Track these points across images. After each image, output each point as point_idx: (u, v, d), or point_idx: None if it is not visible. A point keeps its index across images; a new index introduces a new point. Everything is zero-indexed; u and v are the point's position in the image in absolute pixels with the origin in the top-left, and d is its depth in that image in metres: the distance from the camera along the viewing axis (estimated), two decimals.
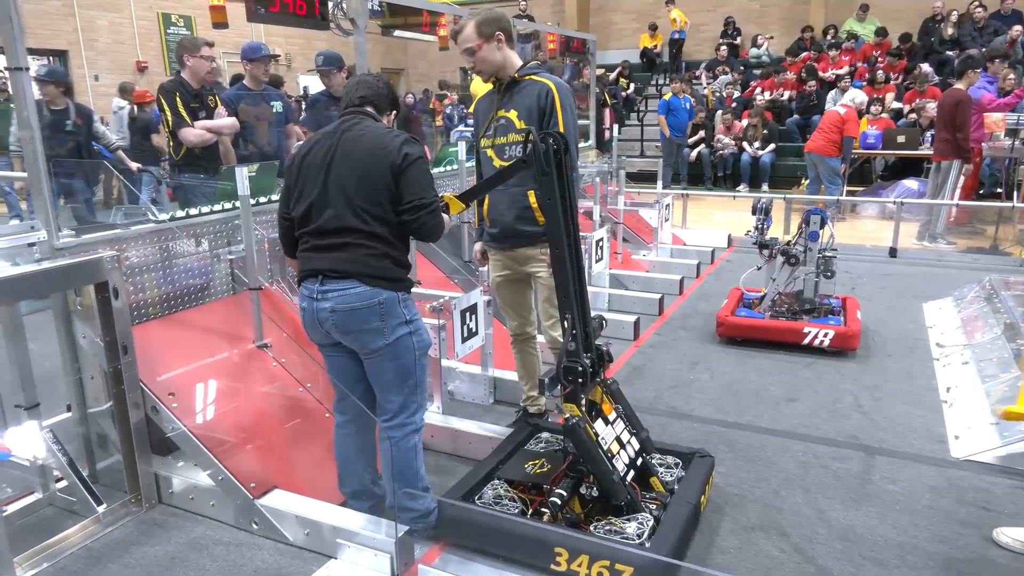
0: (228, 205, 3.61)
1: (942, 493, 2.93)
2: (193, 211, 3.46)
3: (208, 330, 3.24)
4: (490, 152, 3.08)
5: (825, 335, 4.49)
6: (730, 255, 7.56)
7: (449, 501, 2.53)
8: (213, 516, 2.79)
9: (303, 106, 7.96)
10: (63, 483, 2.86)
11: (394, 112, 2.64)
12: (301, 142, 5.32)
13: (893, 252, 7.31)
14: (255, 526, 2.68)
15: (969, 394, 3.76)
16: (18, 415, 2.74)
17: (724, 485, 2.99)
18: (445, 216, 2.53)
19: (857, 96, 8.81)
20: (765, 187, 11.17)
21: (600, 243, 5.26)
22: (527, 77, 2.96)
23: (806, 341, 4.53)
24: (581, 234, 5.39)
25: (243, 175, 3.11)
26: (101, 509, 2.76)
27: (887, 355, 4.53)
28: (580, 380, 2.45)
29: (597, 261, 5.19)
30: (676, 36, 14.65)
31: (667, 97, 10.83)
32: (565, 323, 2.47)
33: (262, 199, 3.80)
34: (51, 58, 11.17)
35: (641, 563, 2.16)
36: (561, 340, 2.98)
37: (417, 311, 2.51)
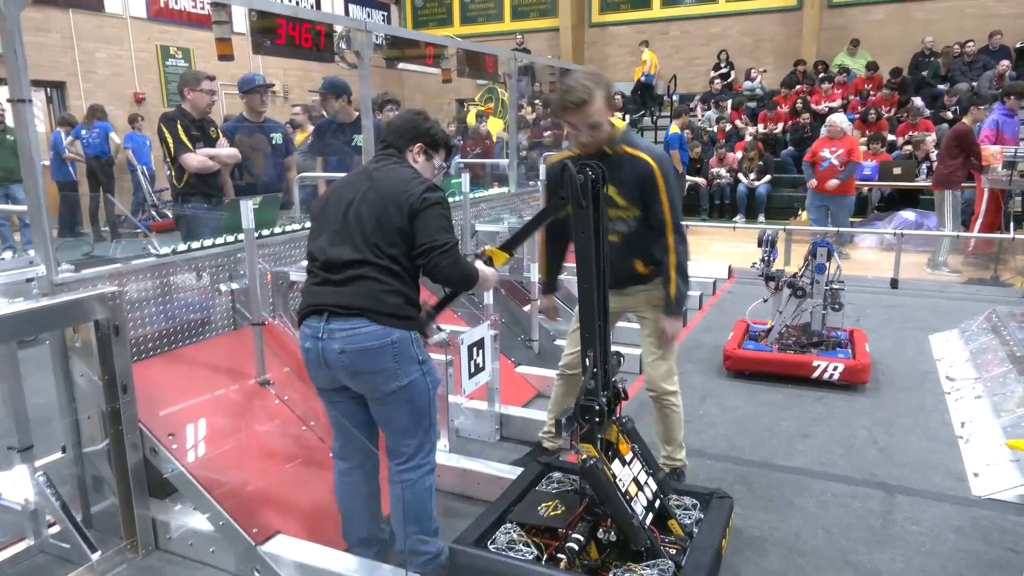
0: (230, 238, 3.54)
1: (967, 534, 2.84)
2: (195, 244, 3.39)
3: (209, 366, 3.15)
4: None
5: (835, 368, 4.42)
6: (731, 286, 7.53)
7: (461, 548, 2.42)
8: (213, 563, 2.67)
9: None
10: (56, 528, 2.74)
11: (420, 145, 2.49)
12: (302, 174, 5.34)
13: (895, 283, 7.29)
14: (257, 574, 2.56)
15: (984, 429, 3.69)
16: (10, 457, 2.63)
17: (743, 527, 2.89)
18: (487, 268, 2.48)
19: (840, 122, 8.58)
20: (762, 218, 11.20)
21: None
22: (623, 149, 2.76)
23: (815, 375, 4.46)
24: None
25: (247, 208, 3.05)
26: (95, 557, 2.64)
27: (898, 389, 4.46)
28: (597, 419, 2.36)
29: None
30: (643, 79, 14.81)
31: (675, 131, 10.71)
32: (587, 360, 2.40)
33: (264, 232, 3.74)
34: (48, 90, 11.17)
35: None
36: (655, 378, 2.96)
37: (426, 350, 2.43)
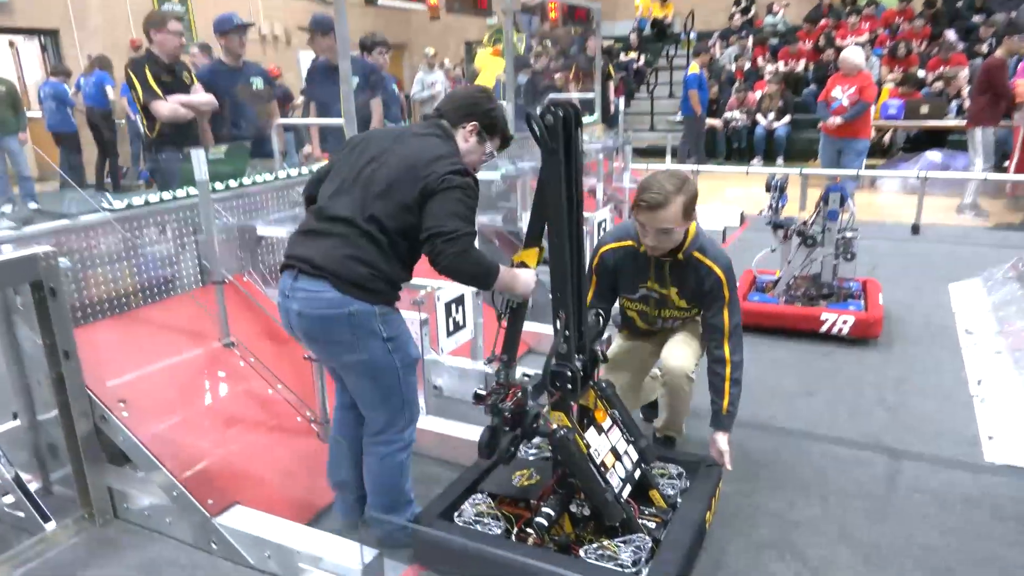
0: (194, 191, 3.33)
1: (976, 504, 2.64)
2: (153, 198, 3.19)
3: (169, 328, 2.99)
4: (634, 314, 2.90)
5: (844, 322, 4.17)
6: (742, 234, 7.21)
7: (421, 528, 2.27)
8: (170, 534, 2.55)
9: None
10: (10, 498, 2.63)
11: (475, 124, 2.26)
12: (285, 120, 5.08)
13: (916, 229, 6.93)
14: (214, 546, 2.44)
15: (1003, 388, 3.44)
16: None
17: (734, 495, 2.70)
18: (522, 269, 2.25)
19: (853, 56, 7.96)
20: (780, 161, 10.75)
21: (603, 224, 4.95)
22: (693, 255, 2.63)
23: (823, 329, 4.22)
24: (586, 215, 5.10)
25: (200, 159, 2.82)
26: (49, 527, 2.52)
27: (911, 343, 4.21)
28: (570, 386, 2.16)
29: (634, 204, 4.88)
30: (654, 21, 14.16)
31: (695, 71, 10.14)
32: (558, 323, 2.18)
33: (232, 183, 3.52)
34: (41, 38, 10.89)
35: None
36: (674, 363, 2.74)
37: (402, 327, 2.22)
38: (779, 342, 4.26)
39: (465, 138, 2.26)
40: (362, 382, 2.23)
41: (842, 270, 4.50)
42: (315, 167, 4.35)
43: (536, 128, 2.02)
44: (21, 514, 2.58)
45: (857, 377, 3.76)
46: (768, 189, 4.53)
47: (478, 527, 2.27)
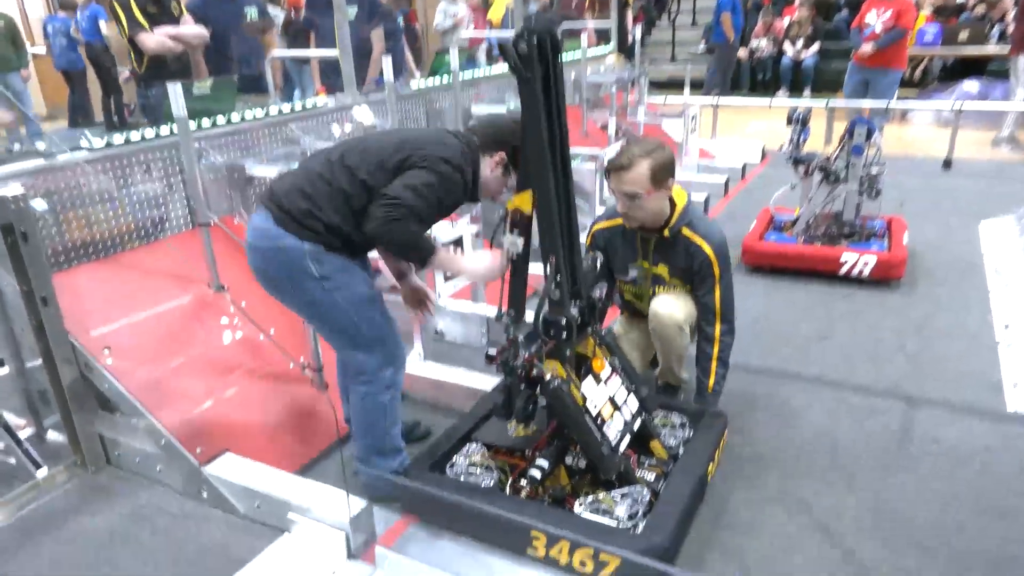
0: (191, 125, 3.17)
1: (996, 455, 2.51)
2: (135, 136, 3.05)
3: (156, 273, 2.89)
4: (632, 298, 2.83)
5: (865, 263, 3.97)
6: (763, 170, 6.94)
7: (411, 480, 2.19)
8: (162, 481, 2.51)
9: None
10: (0, 443, 2.61)
11: (503, 155, 2.17)
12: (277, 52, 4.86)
13: (948, 164, 6.60)
14: (204, 495, 2.40)
15: None
16: None
17: (740, 444, 2.60)
18: (477, 260, 2.21)
19: None
20: (807, 93, 10.28)
21: None
22: (682, 232, 2.54)
23: (843, 270, 4.03)
24: (596, 151, 4.89)
25: (176, 93, 2.66)
26: (40, 474, 2.50)
27: (936, 284, 4.01)
28: (565, 335, 2.03)
29: (604, 167, 4.68)
30: None
31: None
32: (548, 268, 2.04)
33: (220, 119, 3.36)
34: None
35: (629, 555, 1.80)
36: (665, 312, 2.60)
37: (342, 267, 2.08)
38: (796, 284, 4.09)
39: (491, 167, 2.19)
40: (313, 323, 2.26)
41: (866, 208, 4.28)
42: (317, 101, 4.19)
43: (509, 56, 1.84)
44: (12, 460, 2.56)
45: (877, 321, 3.60)
46: (789, 122, 4.27)
47: (471, 479, 2.19)
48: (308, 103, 4.04)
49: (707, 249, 2.52)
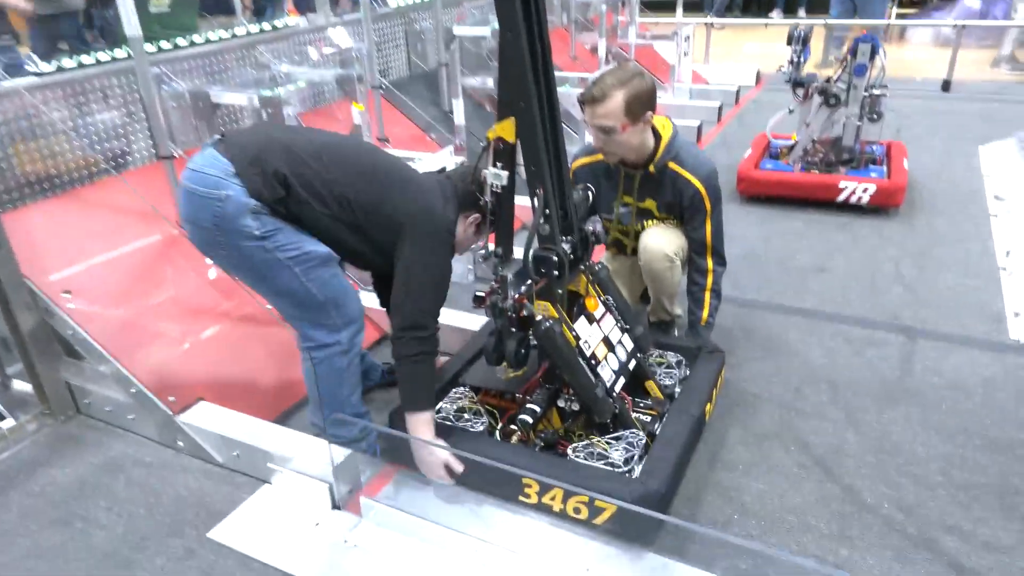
0: (150, 48, 2.93)
1: (998, 387, 2.44)
2: (88, 60, 2.80)
3: (117, 209, 2.70)
4: (618, 236, 2.68)
5: (864, 190, 3.84)
6: (758, 94, 6.70)
7: (393, 429, 2.09)
8: (135, 431, 2.40)
9: None
10: None
11: (476, 217, 2.07)
12: None
13: (947, 85, 6.40)
14: (180, 444, 2.29)
15: None
16: None
17: (736, 380, 2.52)
18: (428, 452, 1.96)
19: None
20: (802, 13, 9.90)
21: None
22: (668, 166, 2.38)
23: (841, 198, 3.89)
24: (585, 75, 4.64)
25: (128, 9, 2.41)
26: (6, 424, 2.38)
27: (936, 212, 3.90)
28: (557, 272, 1.90)
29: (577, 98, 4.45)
30: None
31: None
32: (535, 200, 1.89)
33: (180, 41, 3.11)
34: None
35: (625, 502, 1.72)
36: (655, 246, 2.47)
37: (284, 229, 1.88)
38: (793, 213, 3.96)
39: (465, 227, 2.07)
40: (254, 285, 2.02)
41: (866, 132, 4.10)
42: (288, 21, 3.91)
43: None
44: None
45: (875, 250, 3.49)
46: (790, 42, 4.05)
47: (459, 424, 2.10)
48: (279, 23, 3.76)
49: (696, 183, 2.37)
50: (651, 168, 2.38)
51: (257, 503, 2.07)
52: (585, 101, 2.26)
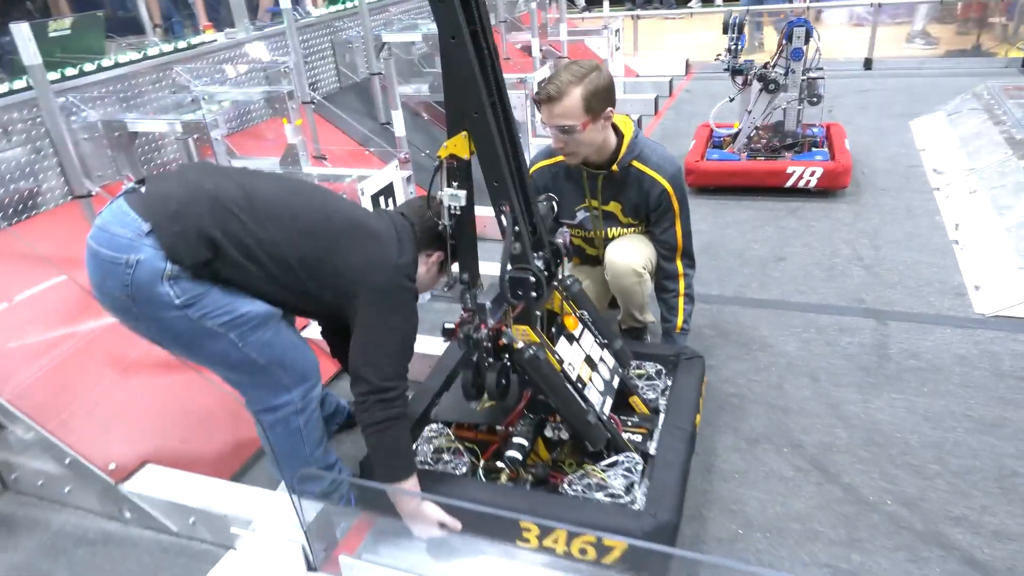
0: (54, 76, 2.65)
1: (974, 364, 2.44)
2: None
3: (27, 258, 2.43)
4: (581, 243, 2.55)
5: (812, 174, 3.85)
6: (689, 83, 6.73)
7: (367, 481, 1.91)
8: (74, 504, 2.15)
9: None
10: None
11: (439, 255, 1.87)
12: None
13: (868, 63, 6.57)
14: (127, 515, 2.06)
15: (984, 231, 3.22)
16: None
17: (717, 383, 2.44)
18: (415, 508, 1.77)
19: None
20: (719, 1, 10.04)
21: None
22: (632, 165, 2.26)
23: (790, 183, 3.89)
24: (521, 75, 4.52)
25: (24, 36, 2.15)
26: None
27: (880, 190, 3.94)
28: (535, 293, 1.76)
29: (531, 98, 4.34)
30: None
31: None
32: (503, 218, 1.74)
33: (87, 66, 2.83)
34: None
35: (636, 538, 1.60)
36: (622, 261, 2.34)
37: (209, 292, 1.63)
38: (740, 201, 3.94)
39: (427, 266, 1.87)
40: (184, 356, 1.77)
41: (806, 115, 4.12)
42: (204, 37, 3.65)
43: None
44: None
45: (829, 233, 3.49)
46: (726, 29, 4.02)
47: (439, 466, 1.93)
48: (195, 40, 3.50)
49: (663, 182, 2.27)
50: (614, 168, 2.27)
51: (222, 574, 1.86)
52: (541, 100, 2.12)
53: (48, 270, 2.41)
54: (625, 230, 2.41)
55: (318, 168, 3.27)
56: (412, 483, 1.75)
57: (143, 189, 1.66)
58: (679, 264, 2.37)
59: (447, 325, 1.80)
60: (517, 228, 1.73)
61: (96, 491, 2.07)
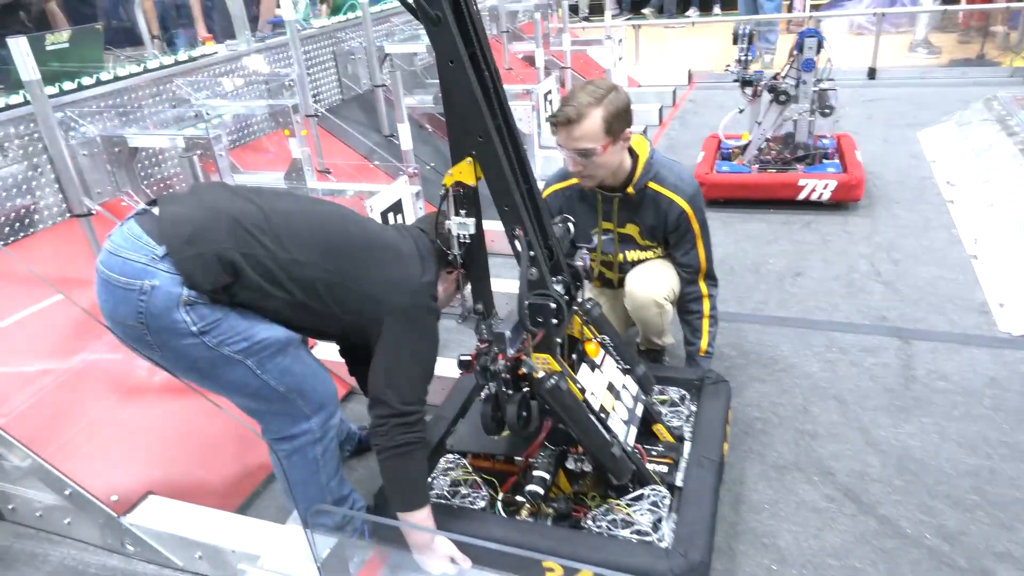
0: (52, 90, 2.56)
1: (1005, 386, 2.36)
2: None
3: (23, 279, 2.33)
4: (597, 266, 2.42)
5: (825, 186, 3.78)
6: (692, 93, 6.67)
7: (381, 518, 1.82)
8: (74, 536, 2.05)
9: None
10: None
11: (457, 273, 1.78)
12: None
13: (872, 73, 6.52)
14: (130, 548, 1.97)
15: (1004, 245, 3.15)
16: None
17: (741, 407, 2.36)
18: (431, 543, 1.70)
19: None
20: (717, 9, 10.03)
21: (549, 96, 4.33)
22: (649, 187, 2.19)
23: (802, 196, 3.82)
24: (526, 87, 4.45)
25: (21, 50, 2.07)
26: None
27: (893, 202, 3.88)
28: (556, 320, 1.68)
29: (547, 120, 4.27)
30: None
31: None
32: (517, 243, 1.67)
33: (85, 80, 2.75)
34: None
35: None
36: (644, 292, 2.25)
37: (226, 316, 1.54)
38: (752, 214, 3.87)
39: (446, 284, 1.81)
40: (200, 384, 1.67)
41: (816, 127, 4.06)
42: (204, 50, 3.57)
43: None
44: None
45: (845, 247, 3.42)
46: (736, 40, 3.97)
47: (456, 500, 1.84)
48: (195, 53, 3.42)
49: (682, 203, 2.19)
50: (630, 190, 2.19)
51: None
52: (559, 123, 2.04)
53: (46, 291, 2.31)
54: (643, 253, 2.34)
55: (323, 183, 3.19)
56: (425, 513, 1.67)
57: (156, 211, 1.59)
58: (702, 285, 2.29)
59: (463, 357, 1.72)
60: (533, 253, 1.66)
61: (97, 523, 1.98)
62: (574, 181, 2.25)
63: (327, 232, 1.65)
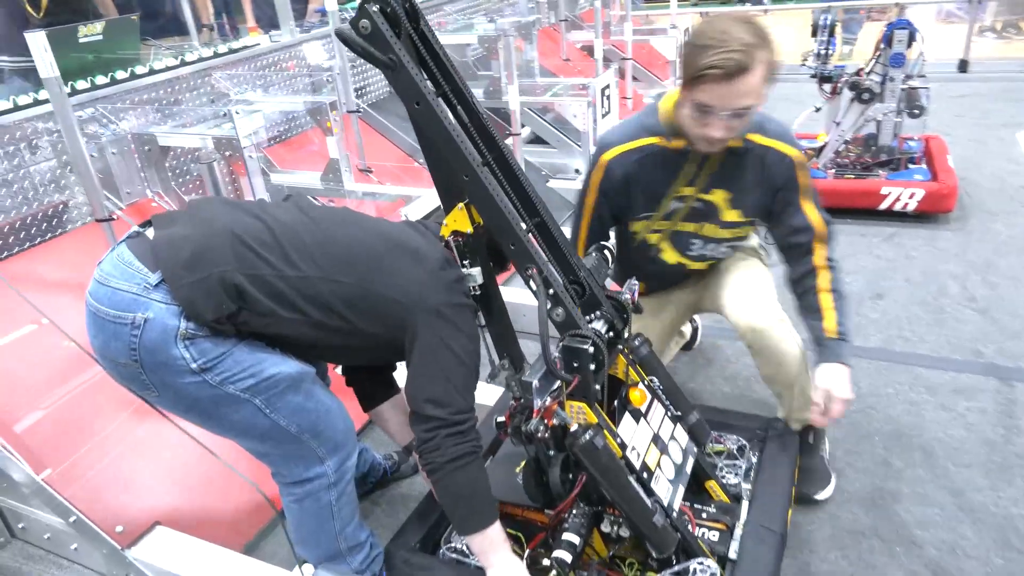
0: (83, 84, 2.48)
1: None
2: (4, 105, 2.34)
3: (42, 283, 2.24)
4: (657, 240, 1.98)
5: (911, 196, 3.41)
6: None
7: (396, 562, 1.64)
8: (79, 561, 1.95)
9: None
10: None
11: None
12: None
13: (963, 65, 5.96)
14: None
15: None
16: None
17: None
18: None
19: None
20: None
21: (607, 91, 4.06)
22: (751, 139, 1.78)
23: (884, 205, 3.46)
24: (582, 80, 4.19)
25: (40, 45, 1.94)
26: None
27: (989, 214, 3.47)
28: (594, 364, 1.45)
29: (604, 115, 4.01)
30: None
31: None
32: (531, 284, 1.44)
33: (120, 73, 2.65)
34: None
35: None
36: (751, 314, 1.89)
37: (229, 351, 1.38)
38: None
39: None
40: (202, 425, 1.51)
41: (905, 128, 3.67)
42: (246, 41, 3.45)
43: (354, 45, 1.30)
44: None
45: (932, 266, 3.06)
46: (815, 32, 3.61)
47: (473, 560, 1.64)
48: (236, 44, 3.30)
49: (791, 151, 1.79)
50: (736, 142, 1.76)
51: None
52: (721, 75, 1.55)
53: (56, 304, 2.22)
54: (722, 231, 1.94)
55: (362, 184, 3.03)
56: (497, 528, 1.48)
57: (148, 233, 1.43)
58: (816, 254, 1.84)
59: (499, 419, 1.52)
60: (552, 291, 1.43)
61: (102, 553, 1.86)
62: (651, 140, 1.84)
63: (337, 239, 1.47)
